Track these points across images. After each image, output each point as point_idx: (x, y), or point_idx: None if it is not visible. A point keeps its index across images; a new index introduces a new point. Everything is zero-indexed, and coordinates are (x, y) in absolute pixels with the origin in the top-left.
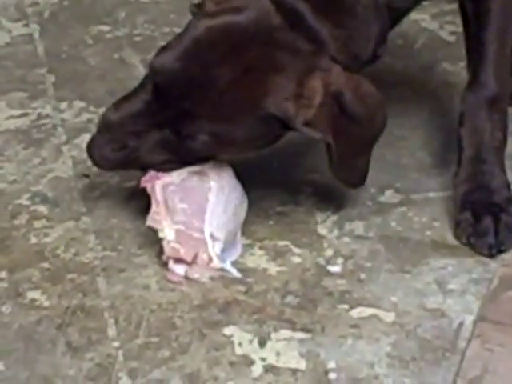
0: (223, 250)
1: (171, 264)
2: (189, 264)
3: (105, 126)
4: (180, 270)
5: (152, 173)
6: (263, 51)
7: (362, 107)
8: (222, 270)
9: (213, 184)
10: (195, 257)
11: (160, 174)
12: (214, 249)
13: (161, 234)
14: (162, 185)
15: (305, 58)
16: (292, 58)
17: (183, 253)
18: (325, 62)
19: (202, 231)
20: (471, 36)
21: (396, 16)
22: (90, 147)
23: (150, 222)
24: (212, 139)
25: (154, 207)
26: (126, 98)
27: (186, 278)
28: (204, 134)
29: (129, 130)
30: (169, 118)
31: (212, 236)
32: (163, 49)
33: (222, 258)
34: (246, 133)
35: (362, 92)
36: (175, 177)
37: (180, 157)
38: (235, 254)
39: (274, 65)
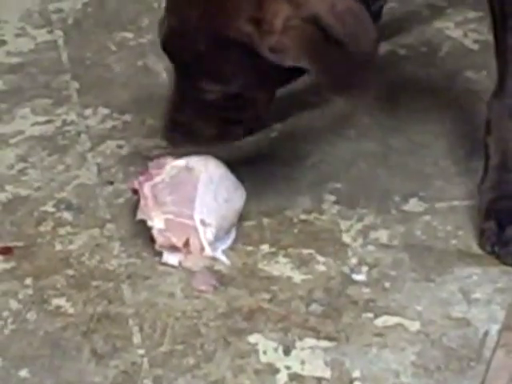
0: (217, 238)
1: (165, 255)
2: (181, 252)
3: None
4: (174, 260)
5: (142, 178)
6: None
7: (341, 27)
8: (214, 258)
9: (200, 174)
10: (187, 243)
11: (152, 175)
12: (206, 235)
13: (149, 223)
14: (152, 184)
15: None
16: None
17: (174, 239)
18: None
19: (191, 218)
20: (498, 41)
21: None
22: (167, 137)
23: (139, 215)
24: (217, 86)
25: (142, 202)
26: None
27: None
28: (206, 81)
29: (179, 108)
30: (184, 80)
31: (203, 222)
32: (160, 25)
33: (214, 246)
34: (234, 68)
35: (338, 10)
36: (165, 174)
37: (223, 111)
38: (228, 242)
39: None
